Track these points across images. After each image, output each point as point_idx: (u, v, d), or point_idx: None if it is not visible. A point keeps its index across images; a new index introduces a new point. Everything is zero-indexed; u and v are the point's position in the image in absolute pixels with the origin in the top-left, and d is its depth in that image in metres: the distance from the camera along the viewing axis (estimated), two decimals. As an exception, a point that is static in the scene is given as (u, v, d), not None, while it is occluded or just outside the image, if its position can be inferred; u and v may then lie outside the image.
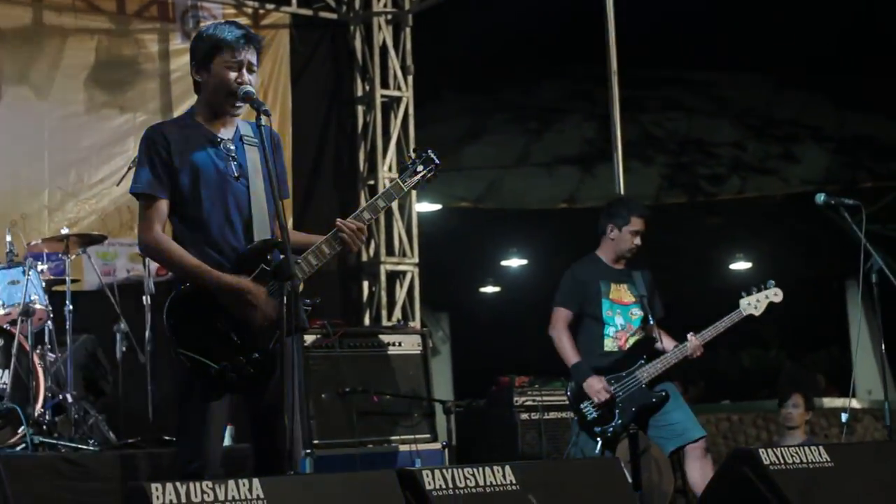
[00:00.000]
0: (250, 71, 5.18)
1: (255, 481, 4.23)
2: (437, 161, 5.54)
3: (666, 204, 18.12)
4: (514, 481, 4.82)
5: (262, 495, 4.20)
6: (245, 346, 4.96)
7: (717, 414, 13.73)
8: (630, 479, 8.50)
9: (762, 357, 24.89)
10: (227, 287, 4.95)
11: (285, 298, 4.72)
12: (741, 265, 21.29)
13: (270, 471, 4.92)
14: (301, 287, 8.96)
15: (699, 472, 7.49)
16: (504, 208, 18.27)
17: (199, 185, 5.08)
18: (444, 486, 4.65)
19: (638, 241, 7.87)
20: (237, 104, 5.17)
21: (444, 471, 4.70)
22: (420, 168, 5.50)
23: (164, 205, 5.08)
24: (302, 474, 4.95)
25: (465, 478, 4.72)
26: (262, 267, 5.04)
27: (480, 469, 4.79)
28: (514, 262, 21.51)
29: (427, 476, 4.64)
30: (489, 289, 23.55)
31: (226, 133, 5.22)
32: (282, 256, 4.95)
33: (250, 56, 5.18)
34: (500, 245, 20.78)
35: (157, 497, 4.03)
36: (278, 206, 4.88)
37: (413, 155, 5.57)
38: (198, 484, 4.12)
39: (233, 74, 5.14)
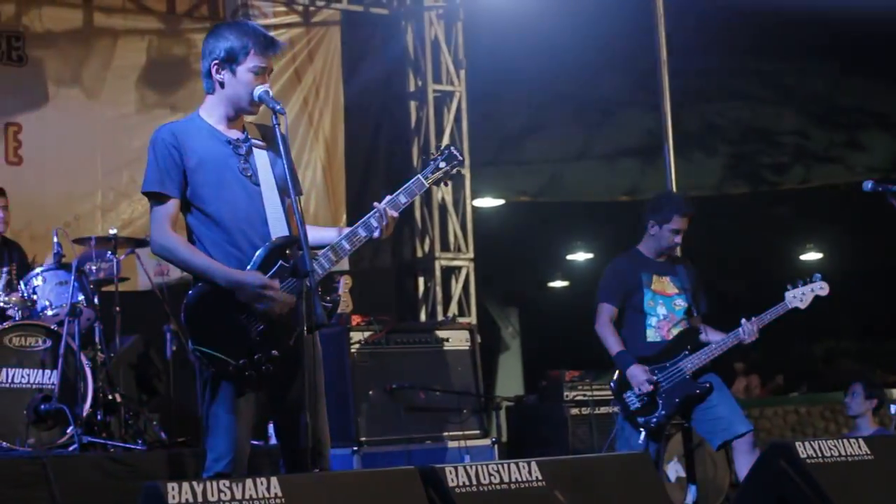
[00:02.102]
0: (269, 74, 5.17)
1: (274, 480, 4.18)
2: (460, 157, 5.49)
3: (729, 194, 17.94)
4: (540, 478, 4.73)
5: (280, 494, 4.14)
6: (263, 343, 4.92)
7: (784, 406, 13.55)
8: (683, 474, 8.49)
9: (836, 348, 24.57)
10: (238, 283, 4.92)
11: (304, 294, 4.70)
12: (812, 255, 21.00)
13: (297, 469, 4.89)
14: (350, 283, 9.04)
15: (747, 467, 7.36)
16: (565, 202, 18.17)
17: (212, 183, 5.05)
18: (467, 483, 4.56)
19: (678, 239, 7.80)
20: (255, 106, 5.14)
21: (468, 468, 4.62)
22: (442, 164, 5.45)
23: (174, 204, 5.06)
24: (322, 472, 4.88)
25: (490, 474, 4.64)
26: (281, 263, 5.01)
27: (505, 465, 4.70)
28: (580, 257, 21.40)
29: (450, 473, 4.56)
30: (557, 283, 23.45)
31: (234, 134, 5.19)
32: (300, 253, 4.91)
33: (272, 63, 5.18)
34: (565, 239, 20.67)
35: (173, 496, 3.99)
36: (293, 204, 4.85)
37: (436, 151, 5.53)
38: (214, 483, 4.08)
39: (258, 79, 5.12)
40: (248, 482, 4.13)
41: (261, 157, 5.19)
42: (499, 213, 18.31)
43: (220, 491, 4.06)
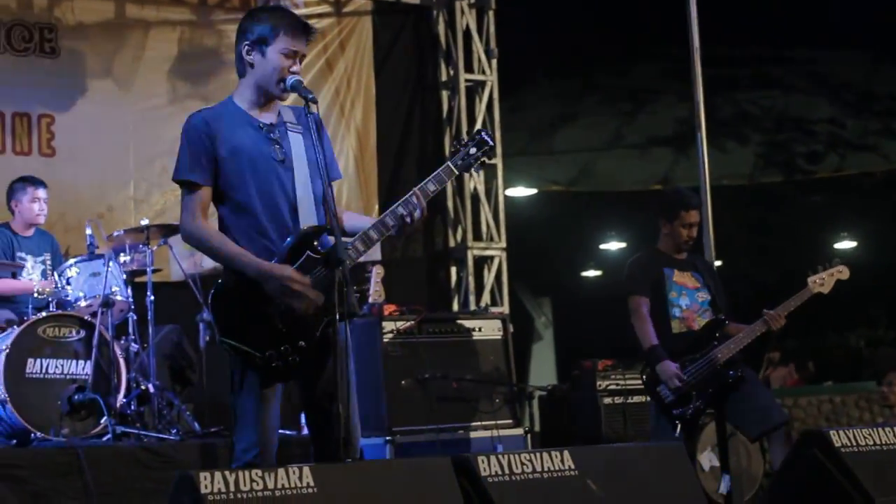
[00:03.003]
0: (300, 61, 5.15)
1: (306, 469, 4.19)
2: (490, 143, 5.43)
3: (762, 183, 17.87)
4: (572, 467, 4.73)
5: (312, 483, 4.16)
6: (290, 335, 4.89)
7: (819, 396, 13.49)
8: (716, 464, 8.46)
9: (871, 337, 24.47)
10: (268, 274, 4.88)
11: (336, 284, 4.69)
12: (846, 244, 20.92)
13: (328, 460, 4.88)
14: (382, 273, 9.02)
15: (783, 457, 7.34)
16: (597, 191, 18.15)
17: (243, 170, 5.03)
18: (499, 473, 4.57)
19: (693, 232, 7.78)
20: (286, 92, 5.13)
21: (500, 457, 4.62)
22: (472, 150, 5.40)
23: (206, 192, 5.04)
24: (354, 462, 4.87)
25: (522, 464, 4.64)
26: (308, 254, 4.97)
27: (538, 454, 4.71)
28: (614, 246, 21.37)
29: (482, 462, 4.57)
30: (591, 273, 23.43)
31: (268, 118, 5.17)
32: (332, 241, 4.89)
33: (304, 47, 5.15)
34: (598, 229, 20.67)
35: (206, 486, 4.01)
36: (326, 191, 4.83)
37: (466, 137, 5.49)
38: (247, 472, 4.10)
39: (288, 62, 5.10)
40: (281, 472, 4.14)
41: (296, 142, 5.16)
42: (531, 203, 18.30)
43: (252, 480, 4.08)
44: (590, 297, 22.16)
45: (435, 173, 5.29)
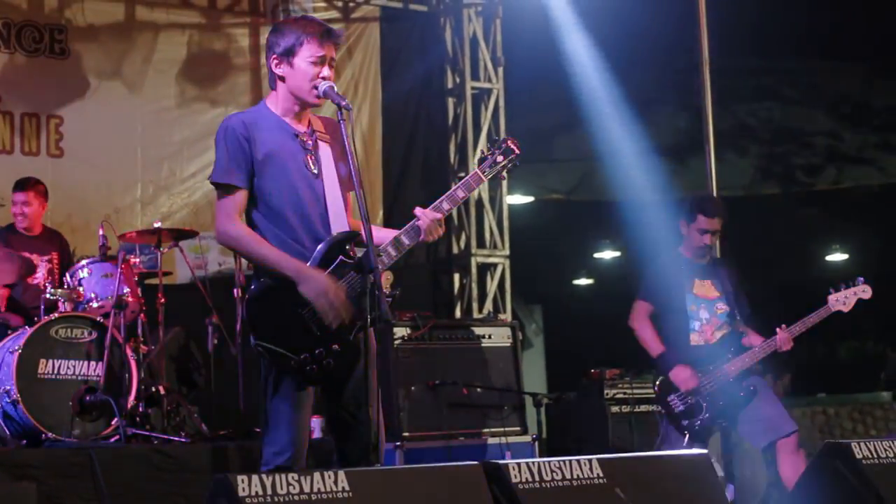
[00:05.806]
0: (330, 66, 5.17)
1: (341, 473, 4.20)
2: (517, 150, 5.48)
3: (760, 195, 17.87)
4: (601, 475, 4.75)
5: (347, 487, 4.17)
6: (325, 338, 4.92)
7: (812, 407, 13.54)
8: (721, 473, 8.49)
9: (859, 350, 24.53)
10: (306, 276, 4.92)
11: (368, 290, 4.72)
12: (837, 257, 20.99)
13: (353, 464, 4.91)
14: (391, 278, 9.04)
15: (791, 467, 7.41)
16: (594, 200, 18.12)
17: (278, 176, 5.06)
18: (530, 480, 4.59)
19: (707, 239, 7.82)
20: (318, 99, 5.15)
21: (531, 464, 4.64)
22: (500, 158, 5.46)
23: (243, 195, 5.06)
24: (388, 467, 4.90)
25: (552, 471, 4.66)
26: (341, 258, 5.01)
27: (567, 462, 4.72)
28: (607, 255, 21.39)
29: (513, 469, 4.59)
30: (582, 281, 23.43)
31: (300, 127, 5.21)
32: (363, 249, 4.93)
33: (331, 51, 5.17)
34: (592, 237, 20.66)
35: (244, 489, 4.02)
36: (361, 198, 4.86)
37: (492, 145, 5.53)
38: (284, 476, 4.11)
39: (316, 70, 5.12)
40: (317, 475, 4.15)
41: (325, 152, 5.20)
42: (528, 211, 18.29)
43: (289, 484, 4.09)
44: (581, 306, 22.18)
45: (464, 180, 5.36)
